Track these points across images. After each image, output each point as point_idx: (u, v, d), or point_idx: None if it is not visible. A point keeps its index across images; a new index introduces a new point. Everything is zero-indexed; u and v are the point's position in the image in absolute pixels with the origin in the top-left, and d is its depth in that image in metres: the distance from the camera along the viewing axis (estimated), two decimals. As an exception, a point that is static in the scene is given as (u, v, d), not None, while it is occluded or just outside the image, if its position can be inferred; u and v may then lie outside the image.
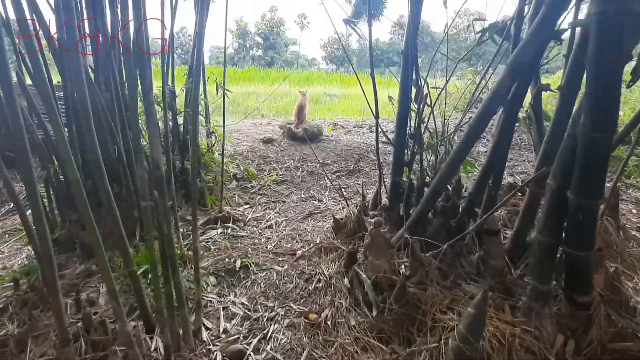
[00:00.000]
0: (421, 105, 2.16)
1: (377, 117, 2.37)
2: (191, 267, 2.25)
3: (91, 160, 1.10)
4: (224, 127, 3.15)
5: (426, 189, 2.45)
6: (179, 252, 2.12)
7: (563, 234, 1.53)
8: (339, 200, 3.62)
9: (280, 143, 4.66)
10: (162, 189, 1.16)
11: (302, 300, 2.01)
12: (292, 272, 2.28)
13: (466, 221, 2.16)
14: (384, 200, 2.95)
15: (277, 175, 4.04)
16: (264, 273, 2.29)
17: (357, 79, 2.56)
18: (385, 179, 4.07)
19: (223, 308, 1.92)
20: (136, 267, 1.44)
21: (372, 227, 2.54)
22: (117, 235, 1.23)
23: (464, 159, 1.93)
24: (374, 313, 1.73)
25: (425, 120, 2.30)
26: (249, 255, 2.49)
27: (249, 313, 1.89)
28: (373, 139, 5.09)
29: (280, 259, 2.49)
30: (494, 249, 1.97)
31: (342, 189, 3.86)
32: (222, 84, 3.11)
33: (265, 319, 1.86)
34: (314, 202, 3.65)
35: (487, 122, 1.80)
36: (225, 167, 3.91)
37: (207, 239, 2.76)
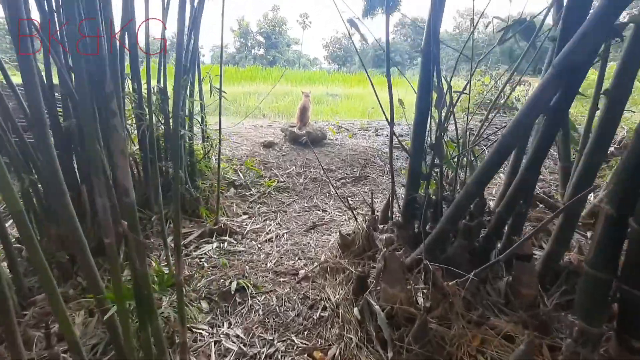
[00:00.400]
0: (443, 112, 1.91)
1: (392, 123, 2.12)
2: (186, 290, 2.01)
3: (48, 178, 0.86)
4: (220, 130, 2.91)
5: (443, 205, 2.21)
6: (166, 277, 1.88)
7: (619, 268, 1.28)
8: (345, 210, 3.37)
9: (281, 147, 4.42)
10: (132, 220, 0.91)
11: (305, 333, 1.77)
12: (294, 297, 2.04)
13: (493, 242, 1.91)
14: (395, 213, 2.71)
15: (278, 182, 3.80)
16: (263, 297, 2.05)
17: (369, 78, 2.31)
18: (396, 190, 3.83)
19: (215, 342, 1.68)
20: (110, 303, 1.20)
21: (383, 244, 2.29)
22: (84, 264, 0.99)
23: (493, 176, 1.68)
24: (390, 354, 1.48)
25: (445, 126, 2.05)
26: (247, 275, 2.25)
27: (245, 349, 1.65)
28: (380, 142, 4.84)
29: (281, 279, 2.24)
30: (526, 276, 1.72)
31: (348, 198, 3.61)
32: (216, 84, 2.87)
33: (263, 356, 1.61)
34: (317, 212, 3.41)
35: (523, 135, 1.55)
36: (222, 174, 3.68)
37: (201, 254, 2.52)
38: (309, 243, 2.83)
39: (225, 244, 2.77)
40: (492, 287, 1.83)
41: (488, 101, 6.36)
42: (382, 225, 2.64)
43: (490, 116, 2.57)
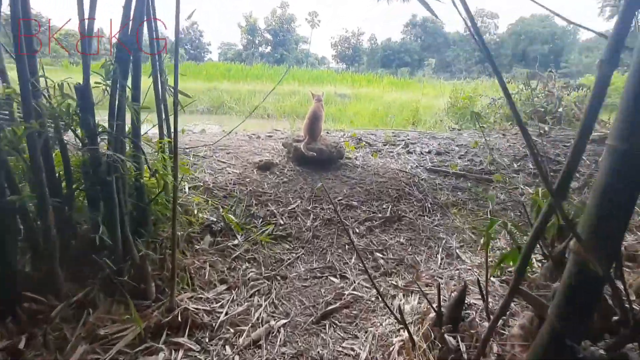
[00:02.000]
0: None
1: (535, 155, 0.88)
2: None
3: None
4: (175, 154, 1.73)
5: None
6: None
7: None
8: (374, 275, 2.17)
9: (283, 170, 3.21)
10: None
11: None
12: None
13: None
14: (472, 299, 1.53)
15: (276, 225, 2.60)
16: None
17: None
18: (448, 245, 2.60)
19: None
20: None
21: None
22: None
23: None
24: None
25: None
26: None
27: None
28: (414, 163, 3.61)
29: None
30: None
31: (378, 255, 2.40)
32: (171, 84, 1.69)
33: None
34: (333, 278, 2.21)
35: None
36: (196, 212, 2.50)
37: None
38: (321, 354, 1.63)
39: (180, 354, 1.60)
40: None
41: (542, 109, 5.08)
42: (450, 333, 1.44)
43: None
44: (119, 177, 1.76)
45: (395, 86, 20.38)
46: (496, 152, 3.88)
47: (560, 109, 4.94)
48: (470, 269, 2.29)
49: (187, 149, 3.43)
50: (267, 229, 2.55)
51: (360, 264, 2.33)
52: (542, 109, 5.09)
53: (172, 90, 1.73)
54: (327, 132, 4.23)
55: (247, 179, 2.98)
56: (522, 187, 3.32)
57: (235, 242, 2.44)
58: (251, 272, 2.23)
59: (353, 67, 43.94)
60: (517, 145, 4.08)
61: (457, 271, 2.30)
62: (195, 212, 2.50)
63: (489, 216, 2.91)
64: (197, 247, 2.32)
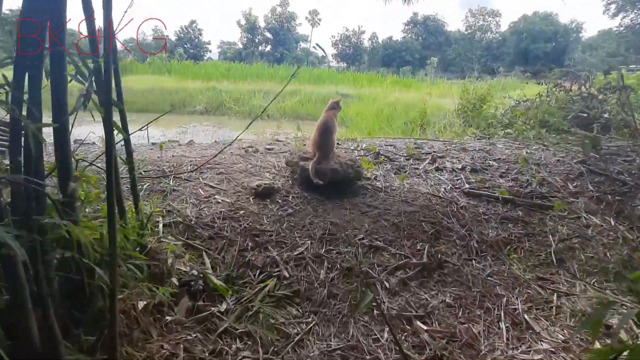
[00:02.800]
0: None
1: None
2: None
3: None
4: (112, 192, 1.05)
5: None
6: None
7: None
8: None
9: (286, 196, 2.52)
10: None
11: None
12: None
13: None
14: None
15: (278, 279, 1.91)
16: None
17: None
18: (512, 306, 1.90)
19: None
20: None
21: None
22: None
23: None
24: None
25: None
26: None
27: None
28: (447, 184, 2.91)
29: None
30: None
31: (419, 324, 1.71)
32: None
33: None
34: (360, 369, 1.53)
35: None
36: (169, 262, 1.81)
37: None
38: None
39: None
40: None
41: (584, 114, 4.38)
42: None
43: None
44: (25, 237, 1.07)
45: (398, 85, 19.66)
46: (544, 168, 3.19)
47: (606, 115, 4.25)
48: (554, 352, 1.61)
49: (168, 171, 2.75)
50: (266, 285, 1.87)
51: (391, 343, 1.64)
52: (585, 114, 4.40)
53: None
54: (338, 144, 3.54)
55: (242, 211, 2.29)
56: (585, 215, 2.64)
57: (223, 306, 1.75)
58: (245, 357, 1.54)
59: (354, 66, 43.15)
60: (567, 160, 3.38)
61: (534, 352, 1.61)
62: (169, 263, 1.82)
63: (554, 260, 2.23)
64: (169, 318, 1.64)
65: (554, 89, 5.11)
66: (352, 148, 3.64)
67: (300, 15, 45.82)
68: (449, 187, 2.85)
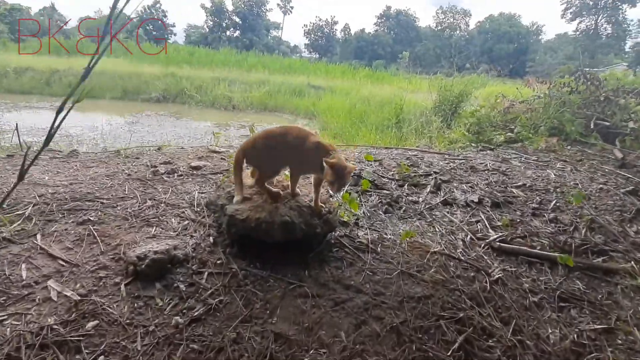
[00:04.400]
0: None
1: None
2: None
3: None
4: None
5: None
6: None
7: None
8: None
9: (199, 271, 1.34)
10: None
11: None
12: None
13: None
14: None
15: None
16: None
17: None
18: None
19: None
20: None
21: None
22: None
23: None
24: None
25: None
26: None
27: None
28: (464, 233, 1.85)
29: None
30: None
31: None
32: None
33: None
34: None
35: None
36: None
37: None
38: None
39: None
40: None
41: (604, 122, 3.52)
42: None
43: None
44: None
45: (371, 79, 18.70)
46: (587, 202, 2.24)
47: (632, 124, 3.42)
48: None
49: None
50: None
51: None
52: (607, 122, 3.56)
53: None
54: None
55: (91, 322, 1.09)
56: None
57: None
58: None
59: (326, 57, 41.65)
60: (612, 188, 2.47)
61: None
62: None
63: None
64: None
65: (564, 90, 4.24)
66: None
67: (271, 1, 43.23)
68: (468, 239, 1.81)
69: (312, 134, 1.47)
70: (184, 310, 1.21)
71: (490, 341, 1.32)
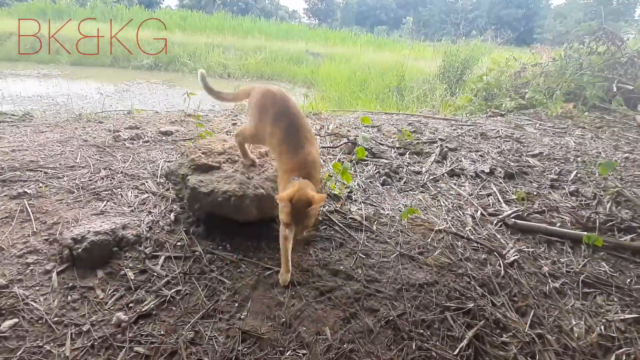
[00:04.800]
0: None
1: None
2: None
3: None
4: None
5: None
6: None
7: None
8: None
9: (153, 255, 1.10)
10: None
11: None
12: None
13: None
14: None
15: None
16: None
17: None
18: None
19: None
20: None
21: None
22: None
23: None
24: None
25: None
26: None
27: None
28: (474, 208, 1.60)
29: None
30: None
31: None
32: None
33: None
34: None
35: None
36: None
37: None
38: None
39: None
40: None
41: (628, 87, 3.16)
42: None
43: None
44: None
45: (373, 46, 17.76)
46: (611, 173, 1.97)
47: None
48: None
49: None
50: None
51: None
52: (629, 86, 3.19)
53: None
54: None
55: (9, 320, 0.86)
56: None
57: None
58: None
59: (326, 22, 39.54)
60: (637, 156, 2.19)
61: None
62: None
63: None
64: None
65: (583, 51, 3.80)
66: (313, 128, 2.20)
67: (268, -38, 40.31)
68: (478, 215, 1.55)
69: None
70: (130, 304, 0.97)
71: (504, 336, 1.10)
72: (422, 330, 1.06)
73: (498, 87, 4.17)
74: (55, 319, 0.91)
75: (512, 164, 1.98)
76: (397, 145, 2.07)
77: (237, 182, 1.17)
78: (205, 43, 16.12)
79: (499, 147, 2.19)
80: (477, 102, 3.69)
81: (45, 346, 0.85)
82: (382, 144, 2.07)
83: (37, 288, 0.97)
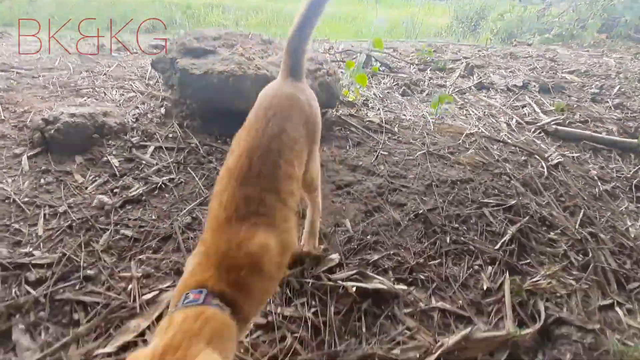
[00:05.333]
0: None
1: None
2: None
3: None
4: None
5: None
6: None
7: None
8: None
9: (142, 145, 0.94)
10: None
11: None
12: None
13: None
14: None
15: None
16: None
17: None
18: None
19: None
20: None
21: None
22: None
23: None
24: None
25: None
26: None
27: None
28: (508, 116, 1.40)
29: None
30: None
31: None
32: None
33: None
34: None
35: None
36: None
37: None
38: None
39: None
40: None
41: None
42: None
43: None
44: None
45: (381, 4, 16.73)
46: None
47: None
48: None
49: None
50: None
51: None
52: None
53: None
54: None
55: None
56: None
57: None
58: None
59: (329, -16, 37.13)
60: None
61: None
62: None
63: None
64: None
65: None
66: (321, 50, 1.96)
67: None
68: (514, 122, 1.36)
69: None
70: (115, 190, 0.82)
71: (552, 233, 0.94)
72: (457, 225, 0.91)
73: (520, 26, 3.80)
74: (26, 199, 0.76)
75: (547, 80, 1.75)
76: (416, 62, 1.83)
77: (236, 63, 0.98)
78: (203, 3, 15.34)
79: (530, 65, 1.94)
80: (497, 42, 3.36)
81: (14, 224, 0.71)
82: (400, 61, 1.83)
83: (4, 171, 0.82)
